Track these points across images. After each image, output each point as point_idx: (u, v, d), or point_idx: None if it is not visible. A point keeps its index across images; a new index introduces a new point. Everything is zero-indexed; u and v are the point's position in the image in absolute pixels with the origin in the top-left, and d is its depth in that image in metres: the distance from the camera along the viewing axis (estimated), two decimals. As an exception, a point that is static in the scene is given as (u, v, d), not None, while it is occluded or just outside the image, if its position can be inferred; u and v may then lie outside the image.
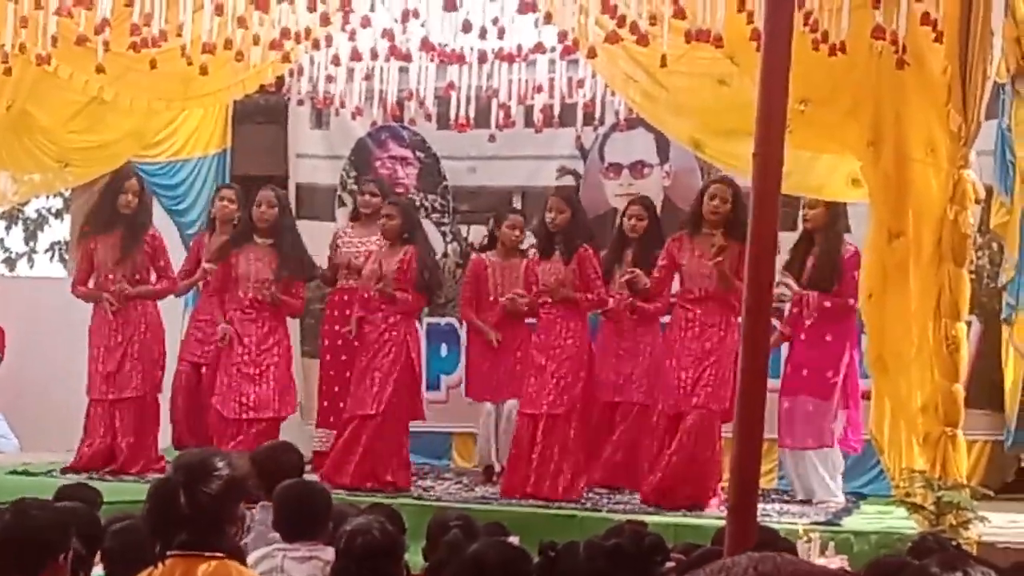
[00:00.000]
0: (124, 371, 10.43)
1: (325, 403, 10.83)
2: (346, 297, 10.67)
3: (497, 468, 10.37)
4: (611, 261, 10.17)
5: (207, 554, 4.11)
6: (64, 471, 10.18)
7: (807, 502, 9.53)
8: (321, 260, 10.92)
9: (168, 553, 4.07)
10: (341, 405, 10.38)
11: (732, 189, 9.40)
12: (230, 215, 10.85)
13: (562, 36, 9.46)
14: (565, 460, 9.60)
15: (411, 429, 10.22)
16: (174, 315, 11.14)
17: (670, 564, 5.01)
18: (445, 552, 5.54)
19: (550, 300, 9.83)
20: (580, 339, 9.85)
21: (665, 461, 9.26)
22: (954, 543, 6.28)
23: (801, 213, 9.71)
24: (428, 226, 11.67)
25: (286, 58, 9.81)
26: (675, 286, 9.91)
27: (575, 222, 9.98)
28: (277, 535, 5.75)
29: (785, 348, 9.70)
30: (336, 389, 10.64)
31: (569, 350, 9.77)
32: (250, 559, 5.32)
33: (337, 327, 10.70)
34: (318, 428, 10.86)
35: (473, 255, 11.00)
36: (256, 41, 9.08)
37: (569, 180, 11.61)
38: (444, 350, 11.68)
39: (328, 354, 10.86)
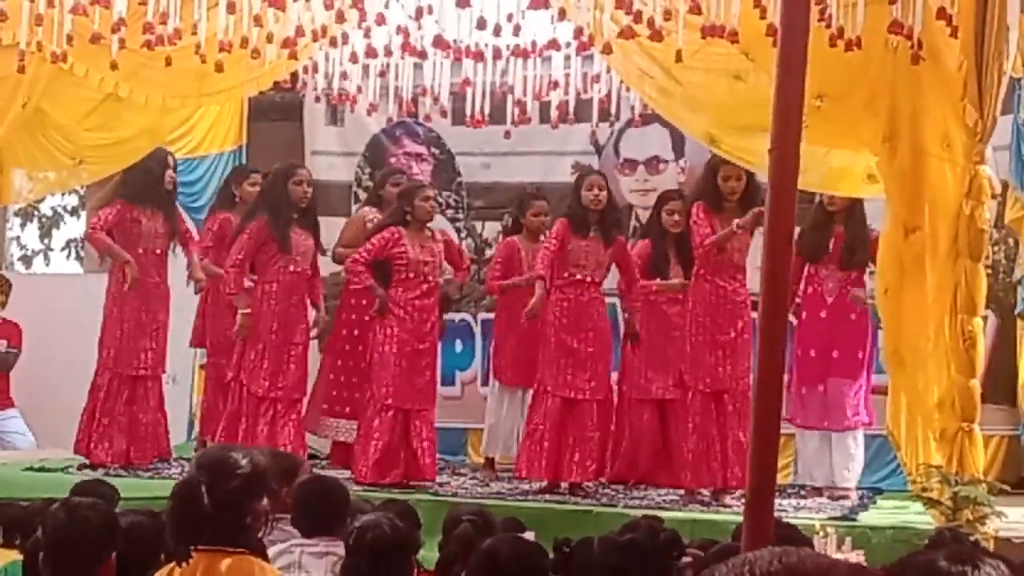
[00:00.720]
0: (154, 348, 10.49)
1: (334, 392, 10.77)
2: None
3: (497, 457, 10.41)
4: (659, 255, 10.08)
5: (229, 549, 4.13)
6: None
7: (825, 492, 9.53)
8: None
9: (192, 549, 4.09)
10: (356, 396, 10.37)
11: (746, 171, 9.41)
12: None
13: (577, 32, 9.46)
14: (595, 447, 9.62)
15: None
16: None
17: (686, 559, 5.01)
18: (455, 546, 5.54)
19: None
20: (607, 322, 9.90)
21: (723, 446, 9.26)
22: (971, 538, 6.27)
23: (819, 197, 9.66)
24: (443, 222, 11.68)
25: (294, 56, 9.79)
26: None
27: (612, 204, 9.97)
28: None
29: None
30: (354, 380, 10.60)
31: (603, 334, 9.78)
32: (268, 553, 5.32)
33: (354, 316, 10.66)
34: (330, 418, 10.79)
35: (503, 238, 10.90)
36: (271, 39, 9.09)
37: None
38: (459, 346, 11.67)
39: (347, 344, 10.82)
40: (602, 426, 9.81)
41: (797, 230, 9.59)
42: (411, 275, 9.89)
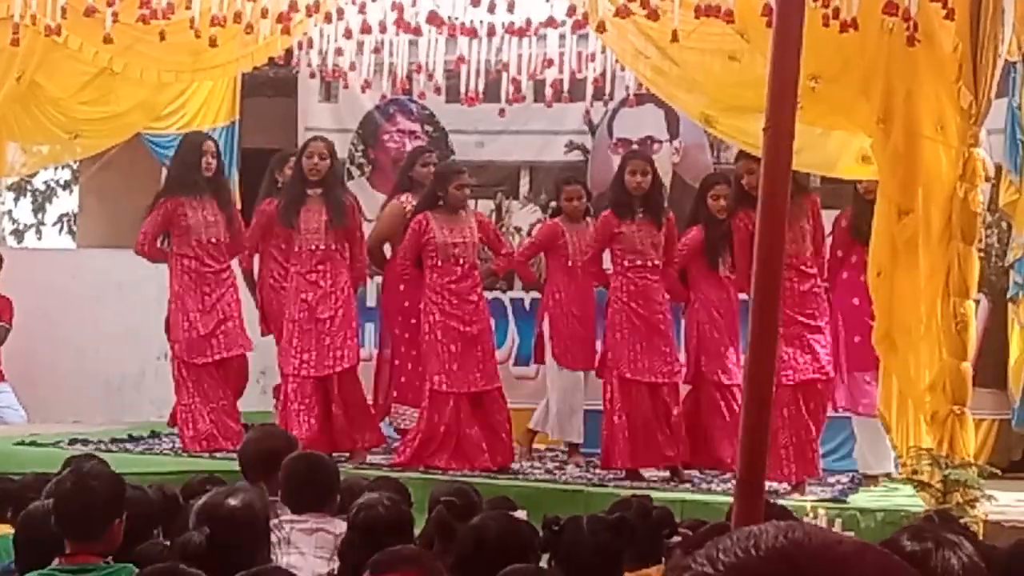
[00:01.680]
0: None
1: (403, 379, 10.56)
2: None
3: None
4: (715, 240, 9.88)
5: None
6: None
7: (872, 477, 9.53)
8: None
9: None
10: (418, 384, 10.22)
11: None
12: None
13: (572, 10, 9.46)
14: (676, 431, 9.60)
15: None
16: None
17: (676, 539, 5.02)
18: (431, 528, 5.54)
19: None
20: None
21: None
22: (960, 521, 6.28)
23: (856, 185, 9.61)
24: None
25: (288, 31, 9.74)
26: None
27: (655, 186, 9.93)
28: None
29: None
30: (409, 366, 10.47)
31: (667, 318, 9.78)
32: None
33: (407, 303, 10.45)
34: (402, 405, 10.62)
35: (548, 220, 10.78)
36: (265, 14, 9.06)
37: (577, 155, 11.61)
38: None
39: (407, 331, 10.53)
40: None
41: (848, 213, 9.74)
42: (441, 260, 9.79)
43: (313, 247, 9.96)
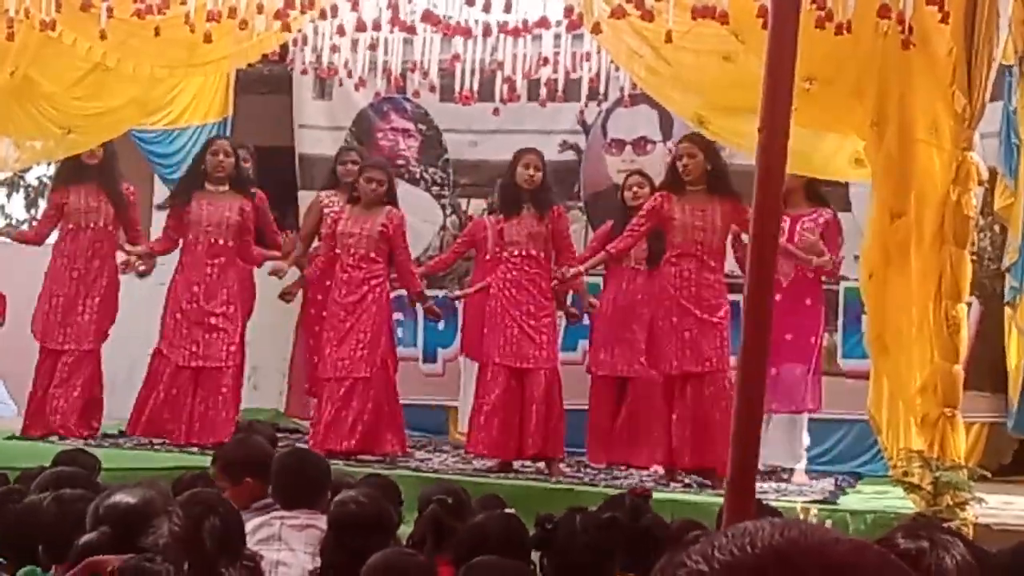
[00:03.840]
0: None
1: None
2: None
3: None
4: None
5: None
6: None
7: (780, 472, 9.58)
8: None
9: None
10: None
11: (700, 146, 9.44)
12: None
13: (567, 10, 9.45)
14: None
15: (408, 402, 10.22)
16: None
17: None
18: (424, 527, 5.53)
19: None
20: None
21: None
22: (949, 524, 6.29)
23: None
24: (428, 198, 11.67)
25: (288, 27, 9.76)
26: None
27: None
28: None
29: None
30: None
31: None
32: (248, 527, 5.32)
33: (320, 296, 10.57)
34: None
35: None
36: (260, 10, 9.06)
37: (571, 155, 11.61)
38: (441, 323, 11.61)
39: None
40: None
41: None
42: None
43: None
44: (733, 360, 9.31)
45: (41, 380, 10.49)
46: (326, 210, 10.61)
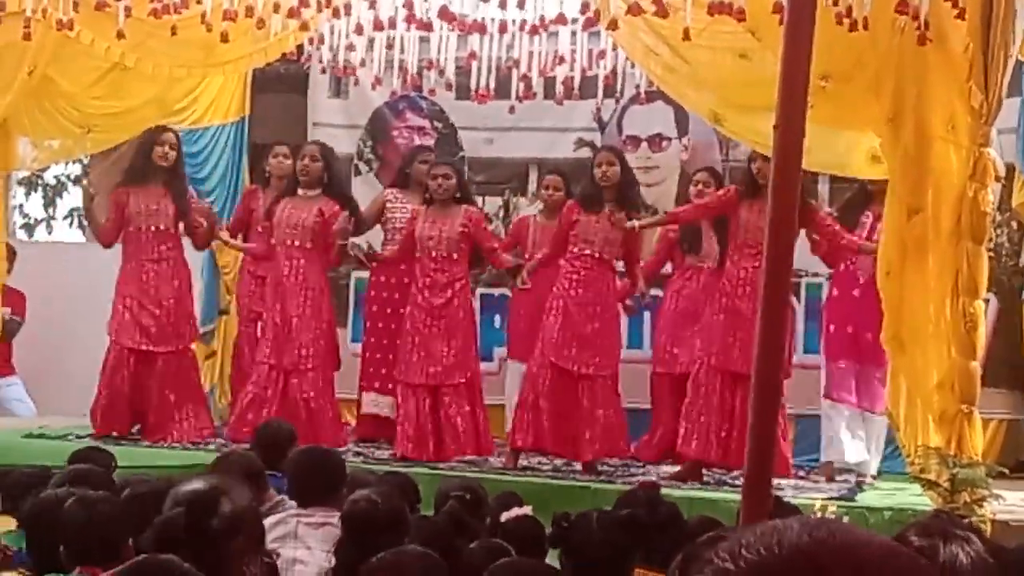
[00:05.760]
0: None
1: (371, 369, 10.70)
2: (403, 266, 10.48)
3: None
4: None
5: None
6: None
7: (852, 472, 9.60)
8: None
9: None
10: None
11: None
12: (286, 170, 10.89)
13: (584, 7, 9.44)
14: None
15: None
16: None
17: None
18: (444, 522, 5.53)
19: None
20: None
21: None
22: (966, 520, 6.28)
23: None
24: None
25: (305, 26, 9.78)
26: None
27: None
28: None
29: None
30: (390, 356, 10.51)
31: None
32: (264, 524, 5.34)
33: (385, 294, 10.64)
34: (368, 392, 10.70)
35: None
36: (276, 9, 9.07)
37: (586, 152, 11.60)
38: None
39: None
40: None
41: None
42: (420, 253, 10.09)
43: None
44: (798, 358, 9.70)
45: (112, 379, 10.39)
46: (388, 204, 10.81)
